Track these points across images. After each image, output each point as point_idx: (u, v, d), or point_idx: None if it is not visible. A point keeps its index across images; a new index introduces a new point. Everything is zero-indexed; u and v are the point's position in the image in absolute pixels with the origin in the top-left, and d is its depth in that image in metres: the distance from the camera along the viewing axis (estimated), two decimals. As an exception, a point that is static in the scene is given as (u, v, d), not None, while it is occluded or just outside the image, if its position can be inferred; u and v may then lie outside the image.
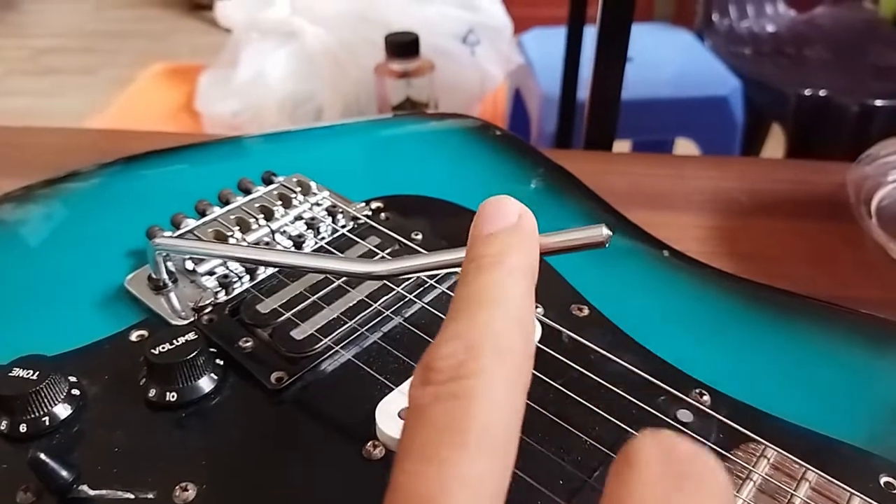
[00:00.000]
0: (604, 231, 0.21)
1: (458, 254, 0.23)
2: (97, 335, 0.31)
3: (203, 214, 0.37)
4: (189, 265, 0.33)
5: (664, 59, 1.18)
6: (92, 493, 0.24)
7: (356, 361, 0.29)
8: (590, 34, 0.96)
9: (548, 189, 0.41)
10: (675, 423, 0.26)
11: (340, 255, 0.34)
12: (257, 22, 1.04)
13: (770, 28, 1.36)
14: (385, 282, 0.32)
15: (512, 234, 0.20)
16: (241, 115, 1.03)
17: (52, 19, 2.86)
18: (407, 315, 0.32)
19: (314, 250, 0.35)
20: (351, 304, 0.31)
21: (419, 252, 0.35)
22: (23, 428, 0.26)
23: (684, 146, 1.22)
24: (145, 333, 0.31)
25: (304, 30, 0.98)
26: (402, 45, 0.78)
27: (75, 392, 0.28)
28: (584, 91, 1.00)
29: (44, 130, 0.67)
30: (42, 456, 0.24)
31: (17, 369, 0.27)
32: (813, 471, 0.24)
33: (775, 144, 1.33)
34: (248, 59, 1.04)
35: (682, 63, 1.17)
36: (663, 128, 1.12)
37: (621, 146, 0.79)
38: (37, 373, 0.27)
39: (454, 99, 0.98)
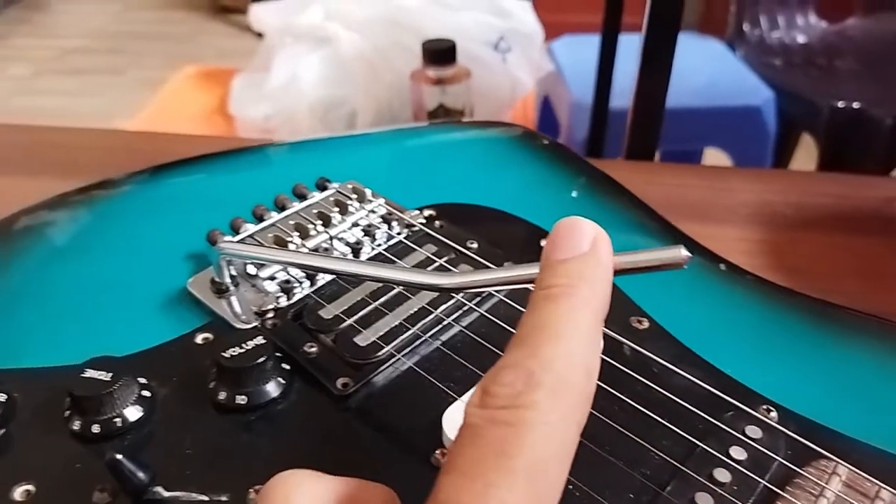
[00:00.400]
0: (682, 253, 0.21)
1: (523, 270, 0.23)
2: (162, 338, 0.31)
3: (261, 219, 0.37)
4: (251, 270, 0.34)
5: (694, 67, 1.17)
6: (167, 494, 0.25)
7: (418, 369, 0.30)
8: (624, 42, 0.96)
9: (597, 199, 0.42)
10: (744, 439, 0.26)
11: (408, 266, 0.35)
12: (291, 27, 1.04)
13: (801, 39, 1.36)
14: (446, 290, 0.32)
15: (584, 264, 0.20)
16: (273, 118, 1.04)
17: (80, 20, 2.89)
18: (466, 323, 0.32)
19: (372, 257, 0.35)
20: (412, 312, 0.32)
21: (473, 259, 0.35)
22: (95, 428, 0.27)
23: (713, 156, 1.21)
24: (210, 336, 0.31)
25: (339, 35, 0.99)
26: (440, 52, 0.79)
27: (146, 394, 0.28)
28: (617, 99, 1.01)
29: (86, 131, 0.68)
30: (120, 457, 0.24)
31: (91, 370, 0.27)
32: (888, 490, 0.24)
33: (804, 155, 1.32)
34: (282, 63, 1.04)
35: (713, 72, 1.17)
36: (693, 137, 1.11)
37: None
38: (110, 374, 0.27)
39: (485, 106, 0.98)
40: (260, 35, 1.11)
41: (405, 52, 0.99)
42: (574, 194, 0.43)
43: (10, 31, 2.78)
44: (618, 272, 0.21)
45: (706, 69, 1.17)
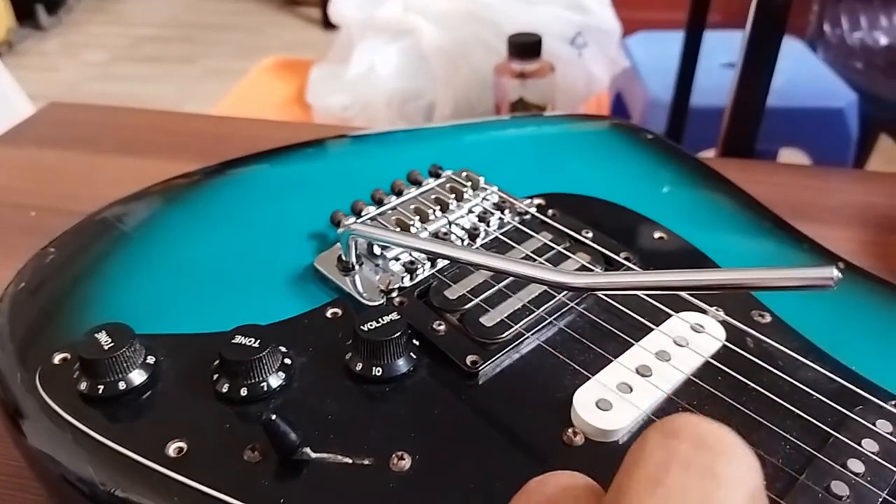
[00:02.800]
0: (834, 273, 0.21)
1: (650, 277, 0.23)
2: (293, 311, 0.33)
3: (380, 203, 0.39)
4: (376, 250, 0.35)
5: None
6: (314, 455, 0.26)
7: (547, 347, 0.30)
8: (708, 39, 0.95)
9: (707, 194, 0.42)
10: (876, 430, 0.26)
11: (528, 252, 0.36)
12: (371, 19, 1.06)
13: (883, 40, 1.32)
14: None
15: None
16: (350, 108, 1.06)
17: (153, 9, 2.97)
18: (586, 307, 0.33)
19: (489, 241, 0.37)
20: (535, 295, 0.33)
21: (591, 247, 0.36)
22: (243, 392, 0.28)
23: (789, 157, 1.19)
24: (339, 311, 0.33)
25: (419, 27, 1.00)
26: (525, 46, 0.79)
27: (287, 361, 0.29)
28: (696, 96, 1.00)
29: (190, 116, 0.71)
30: (275, 418, 0.25)
31: (239, 336, 0.29)
32: None
33: (880, 157, 1.29)
34: (360, 54, 1.06)
35: (793, 72, 1.15)
36: (772, 137, 1.10)
37: (711, 154, 0.78)
38: (258, 341, 0.29)
39: (560, 100, 0.98)
40: (328, 27, 1.13)
41: (484, 46, 1.00)
42: (666, 189, 0.43)
43: (87, 18, 2.88)
44: (766, 289, 0.21)
45: (786, 69, 1.15)
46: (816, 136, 1.06)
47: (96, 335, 0.29)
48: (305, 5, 2.77)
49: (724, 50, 1.09)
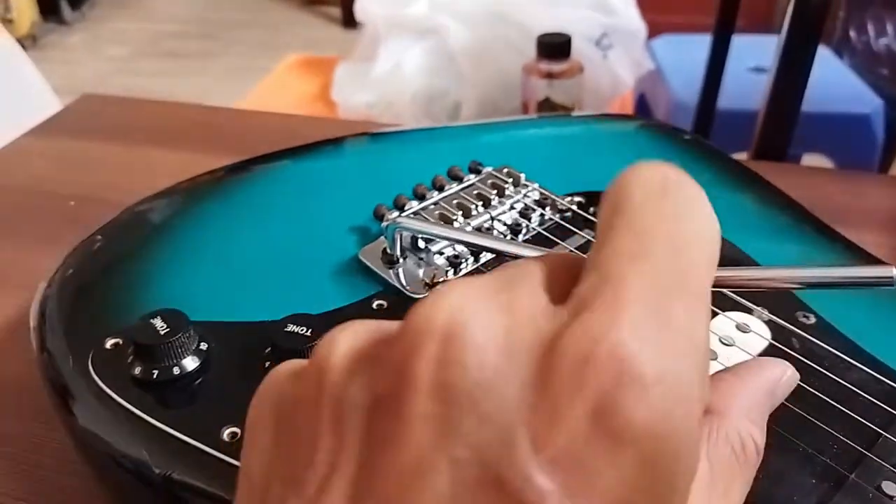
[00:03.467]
0: (893, 272, 0.21)
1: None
2: (340, 302, 0.33)
3: (422, 198, 0.39)
4: (420, 244, 0.35)
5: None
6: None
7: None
8: (735, 43, 0.95)
9: (749, 197, 0.42)
10: (925, 432, 0.27)
11: (573, 248, 0.36)
12: (398, 18, 1.07)
13: (910, 47, 1.32)
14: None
15: None
16: (375, 106, 1.07)
17: (175, 5, 3.00)
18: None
19: (532, 237, 0.37)
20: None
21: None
22: (295, 379, 0.29)
23: (813, 162, 1.19)
24: (384, 303, 0.33)
25: (446, 27, 1.01)
26: (554, 47, 0.80)
27: (337, 351, 0.30)
28: (724, 100, 1.00)
29: (223, 110, 0.71)
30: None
31: (292, 325, 0.29)
32: None
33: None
34: (386, 52, 1.07)
35: (818, 77, 1.14)
36: (797, 142, 1.09)
37: (741, 157, 0.78)
38: (310, 329, 0.29)
39: (585, 101, 0.99)
40: (348, 25, 1.14)
41: (509, 46, 1.00)
42: (706, 190, 0.43)
43: (110, 13, 2.90)
44: (825, 285, 0.22)
45: (812, 74, 1.15)
46: (842, 141, 1.06)
47: (152, 321, 0.30)
48: (326, 4, 2.78)
49: (750, 54, 1.10)
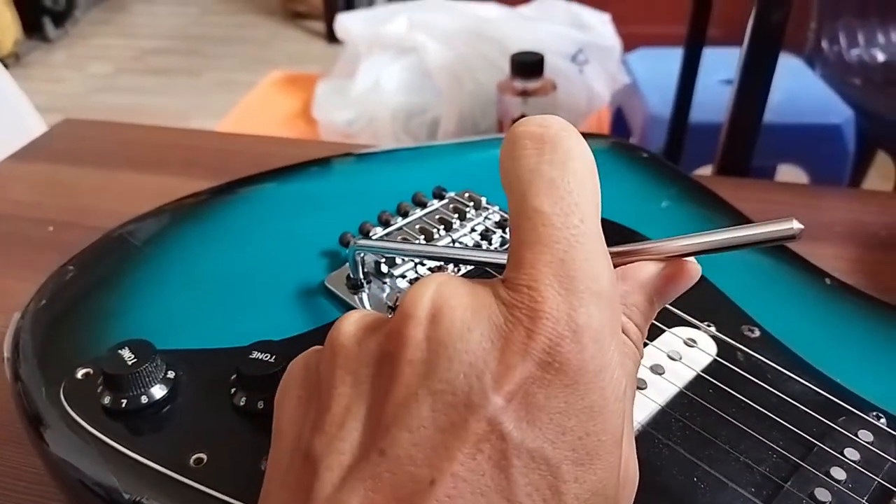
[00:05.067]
0: (794, 224, 0.21)
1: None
2: (305, 327, 0.35)
3: (387, 224, 0.40)
4: (384, 268, 0.36)
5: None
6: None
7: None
8: (706, 55, 0.97)
9: (700, 212, 0.43)
10: (858, 440, 0.28)
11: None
12: (377, 36, 1.08)
13: (881, 57, 1.34)
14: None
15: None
16: (356, 123, 1.08)
17: (158, 22, 3.01)
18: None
19: (492, 260, 0.38)
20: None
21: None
22: (260, 405, 0.30)
23: (787, 173, 1.21)
24: (348, 328, 0.34)
25: (424, 45, 1.02)
26: (527, 65, 0.81)
27: (300, 376, 0.31)
28: (696, 112, 1.02)
29: (203, 133, 0.73)
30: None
31: (256, 352, 0.30)
32: None
33: (876, 174, 1.31)
34: (366, 70, 1.08)
35: (791, 89, 1.17)
36: (770, 153, 1.12)
37: (707, 171, 0.79)
38: (273, 357, 0.30)
39: (561, 117, 1.00)
40: (332, 40, 1.15)
41: (487, 63, 1.02)
42: (665, 204, 0.45)
43: (94, 31, 2.91)
44: (731, 247, 0.22)
45: (784, 86, 1.17)
46: (813, 152, 1.08)
47: (120, 351, 0.31)
48: (310, 19, 2.80)
49: (723, 67, 1.11)
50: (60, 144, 0.69)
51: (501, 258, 0.30)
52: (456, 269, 0.37)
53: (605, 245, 0.20)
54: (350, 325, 0.22)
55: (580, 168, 0.20)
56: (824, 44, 1.33)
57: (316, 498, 0.18)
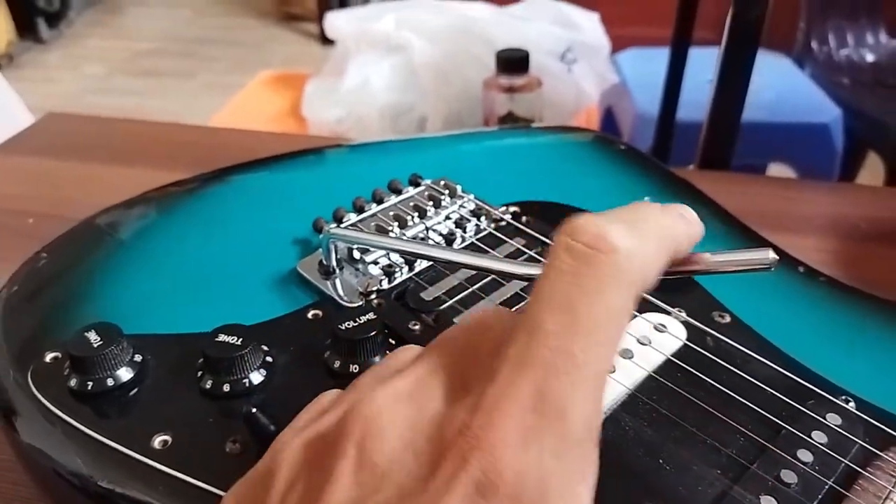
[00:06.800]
0: (770, 255, 0.22)
1: None
2: (276, 312, 0.34)
3: (361, 210, 0.40)
4: (356, 254, 0.36)
5: (760, 83, 1.17)
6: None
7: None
8: (694, 55, 0.97)
9: (674, 203, 0.43)
10: (825, 423, 0.28)
11: (501, 256, 0.37)
12: (366, 34, 1.08)
13: (870, 57, 1.34)
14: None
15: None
16: (344, 121, 1.08)
17: (153, 24, 3.01)
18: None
19: (465, 247, 0.38)
20: (507, 297, 0.34)
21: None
22: (226, 388, 0.30)
23: (777, 172, 1.21)
24: (319, 313, 0.34)
25: (412, 43, 1.02)
26: (512, 62, 0.81)
27: (268, 359, 0.31)
28: (683, 111, 1.02)
29: (188, 128, 0.72)
30: (255, 411, 0.27)
31: (223, 335, 0.30)
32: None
33: (868, 173, 1.31)
34: (355, 69, 1.08)
35: (781, 88, 1.17)
36: (759, 152, 1.12)
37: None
38: (240, 339, 0.30)
39: (550, 115, 1.00)
40: (326, 42, 1.15)
41: (475, 61, 1.02)
42: (647, 198, 0.45)
43: (88, 32, 2.91)
44: (706, 272, 0.22)
45: (773, 85, 1.17)
46: (802, 150, 1.08)
47: (86, 334, 0.30)
48: (304, 21, 2.80)
49: (710, 66, 1.12)
50: (44, 138, 0.69)
51: (474, 260, 0.29)
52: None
53: (601, 392, 0.18)
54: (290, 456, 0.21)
55: (613, 296, 0.18)
56: (814, 44, 1.34)
57: None
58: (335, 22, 1.13)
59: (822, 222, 0.51)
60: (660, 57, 1.05)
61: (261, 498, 0.20)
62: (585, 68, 1.08)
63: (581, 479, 0.17)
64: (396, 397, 0.19)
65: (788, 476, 0.26)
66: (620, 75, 1.21)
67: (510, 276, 0.29)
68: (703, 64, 1.03)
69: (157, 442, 0.28)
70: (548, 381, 0.17)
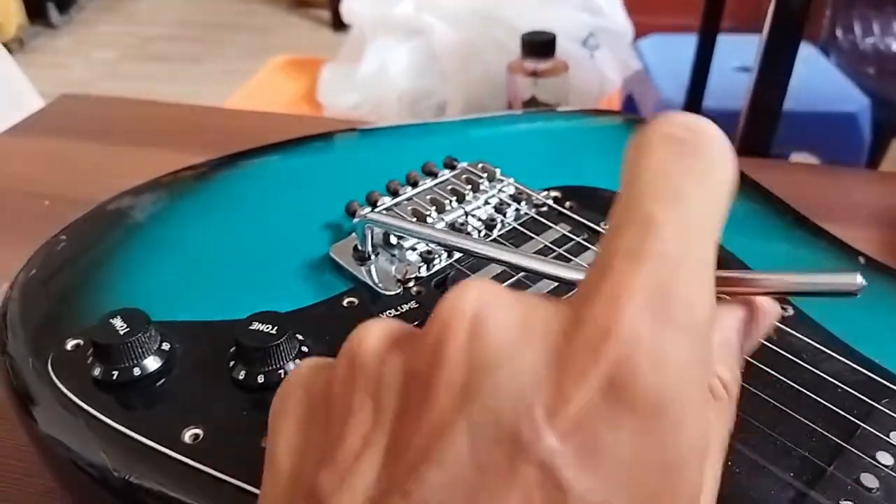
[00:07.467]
0: (858, 279, 0.20)
1: None
2: (309, 300, 0.33)
3: (395, 194, 0.38)
4: (392, 240, 0.34)
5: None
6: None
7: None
8: (721, 43, 0.95)
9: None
10: (902, 423, 0.26)
11: (547, 242, 0.35)
12: (384, 18, 1.06)
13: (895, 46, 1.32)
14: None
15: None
16: (361, 107, 1.06)
17: (163, 9, 2.98)
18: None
19: (507, 232, 0.36)
20: (553, 286, 0.32)
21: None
22: (260, 379, 0.28)
23: (800, 161, 1.19)
24: (355, 300, 0.32)
25: (432, 27, 1.00)
26: (539, 45, 0.79)
27: (304, 349, 0.29)
28: (710, 99, 1.00)
29: (203, 109, 0.71)
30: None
31: (257, 323, 0.29)
32: None
33: (894, 162, 1.28)
34: (372, 53, 1.06)
35: (806, 77, 1.14)
36: (781, 140, 1.09)
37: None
38: (275, 328, 0.28)
39: (572, 101, 0.98)
40: (337, 28, 1.13)
41: (496, 45, 1.00)
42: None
43: (98, 17, 2.89)
44: (786, 293, 0.21)
45: (799, 74, 1.14)
46: (829, 140, 1.05)
47: (111, 321, 0.29)
48: (315, 7, 2.77)
49: (736, 54, 1.09)
50: (58, 120, 0.68)
51: (542, 266, 0.26)
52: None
53: (714, 278, 0.16)
54: (373, 338, 0.18)
55: (718, 187, 0.17)
56: (839, 32, 1.31)
57: None
58: (352, 6, 1.11)
59: (866, 212, 0.49)
60: (682, 43, 1.03)
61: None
62: (608, 54, 1.05)
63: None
64: (490, 291, 0.17)
65: (869, 480, 0.24)
66: (642, 62, 1.19)
67: (560, 281, 0.26)
68: (728, 52, 1.01)
69: (187, 436, 0.27)
70: (668, 274, 0.15)
